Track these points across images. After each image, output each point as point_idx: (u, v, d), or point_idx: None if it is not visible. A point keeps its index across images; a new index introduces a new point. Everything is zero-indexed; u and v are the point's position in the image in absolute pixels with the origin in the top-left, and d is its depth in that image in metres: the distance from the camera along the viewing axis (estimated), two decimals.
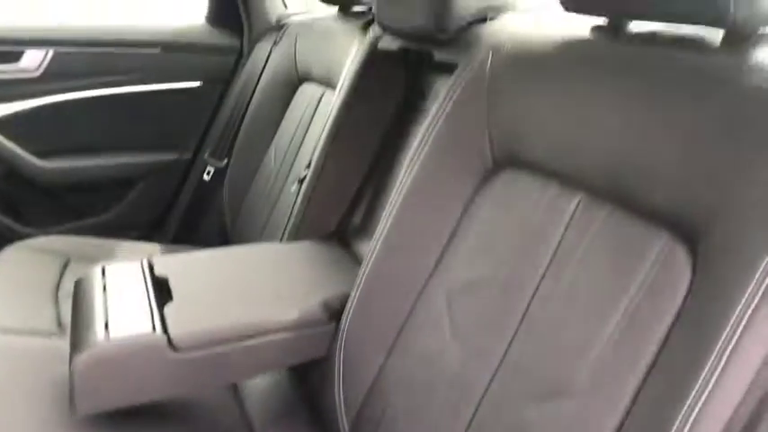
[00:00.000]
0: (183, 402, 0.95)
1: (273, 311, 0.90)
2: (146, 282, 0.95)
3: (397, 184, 0.87)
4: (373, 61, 1.17)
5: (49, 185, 1.56)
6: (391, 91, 1.16)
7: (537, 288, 0.68)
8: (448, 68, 0.99)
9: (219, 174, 1.62)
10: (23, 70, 1.47)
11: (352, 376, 0.89)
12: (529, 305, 0.69)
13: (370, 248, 0.88)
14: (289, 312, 0.90)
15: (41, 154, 1.55)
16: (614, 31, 0.72)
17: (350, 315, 0.89)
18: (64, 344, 1.08)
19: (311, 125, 1.41)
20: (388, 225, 0.86)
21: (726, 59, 0.58)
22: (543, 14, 0.91)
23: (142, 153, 1.66)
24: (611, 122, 0.64)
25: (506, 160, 0.78)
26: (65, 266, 1.38)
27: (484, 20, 0.94)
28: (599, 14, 0.71)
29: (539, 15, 0.92)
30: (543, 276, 0.68)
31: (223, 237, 1.63)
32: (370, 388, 0.86)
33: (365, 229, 1.14)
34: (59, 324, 1.15)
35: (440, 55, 1.00)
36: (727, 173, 0.53)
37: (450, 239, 0.81)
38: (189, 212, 1.67)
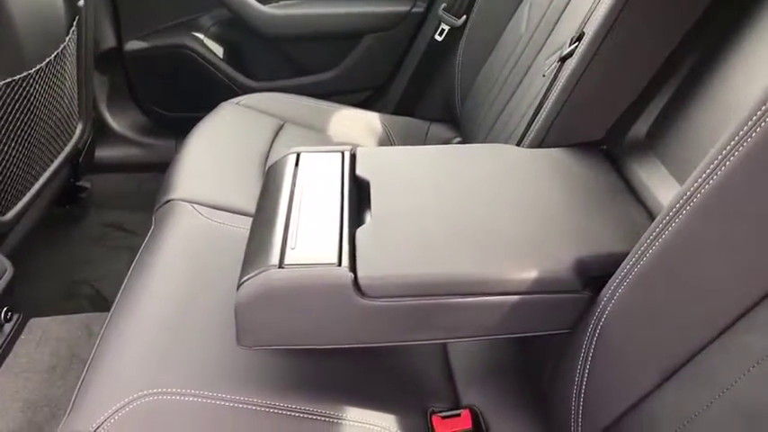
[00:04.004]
0: None
1: (502, 263, 0.62)
2: (342, 184, 0.73)
3: (752, 110, 0.47)
4: None
5: (272, 35, 1.41)
6: None
7: None
8: None
9: (455, 34, 1.30)
10: None
11: (605, 378, 0.59)
12: None
13: (678, 199, 0.53)
14: (524, 268, 0.61)
15: None
16: None
17: (618, 293, 0.58)
18: None
19: None
20: (719, 175, 0.49)
21: None
22: None
23: (371, 1, 1.40)
24: None
25: None
26: (279, 129, 1.25)
27: None
28: None
29: None
30: None
31: (450, 114, 1.35)
32: (631, 408, 0.56)
33: (652, 148, 0.76)
34: None
35: None
36: None
37: None
38: (415, 78, 1.41)
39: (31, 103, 1.03)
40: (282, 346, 0.63)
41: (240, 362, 0.70)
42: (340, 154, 0.79)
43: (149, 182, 1.62)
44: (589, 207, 0.70)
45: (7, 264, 0.89)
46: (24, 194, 1.10)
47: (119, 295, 0.82)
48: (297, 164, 0.78)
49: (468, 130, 1.26)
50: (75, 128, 1.28)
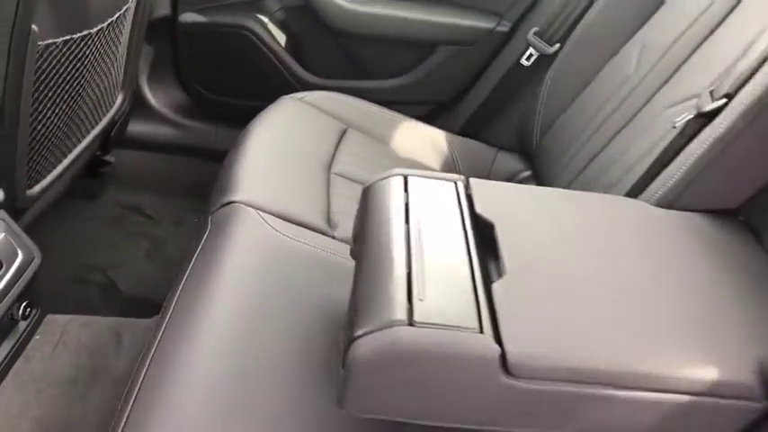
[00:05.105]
0: None
1: (670, 356, 0.52)
2: (464, 223, 0.62)
3: None
4: None
5: (343, 30, 1.29)
6: None
7: None
8: None
9: (544, 62, 1.20)
10: None
11: None
12: None
13: None
14: (696, 365, 0.51)
15: None
16: None
17: None
18: (333, 247, 0.84)
19: (728, 20, 0.90)
20: None
21: None
22: None
23: (453, 12, 1.30)
24: None
25: None
26: (342, 134, 1.14)
27: None
28: None
29: None
30: None
31: (521, 144, 1.25)
32: None
33: None
34: (328, 219, 0.91)
35: None
36: None
37: None
38: (489, 100, 1.30)
39: (84, 66, 0.90)
40: (396, 418, 0.52)
41: (319, 418, 0.58)
42: (452, 183, 0.69)
43: (178, 165, 1.49)
44: (753, 292, 0.60)
45: (35, 251, 0.76)
46: (56, 167, 0.97)
47: (171, 308, 0.70)
48: (405, 189, 0.67)
49: (545, 166, 1.16)
50: (116, 98, 1.15)
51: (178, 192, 1.48)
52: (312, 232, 0.85)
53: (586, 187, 0.98)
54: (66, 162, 1.00)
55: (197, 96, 1.40)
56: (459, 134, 1.30)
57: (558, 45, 1.18)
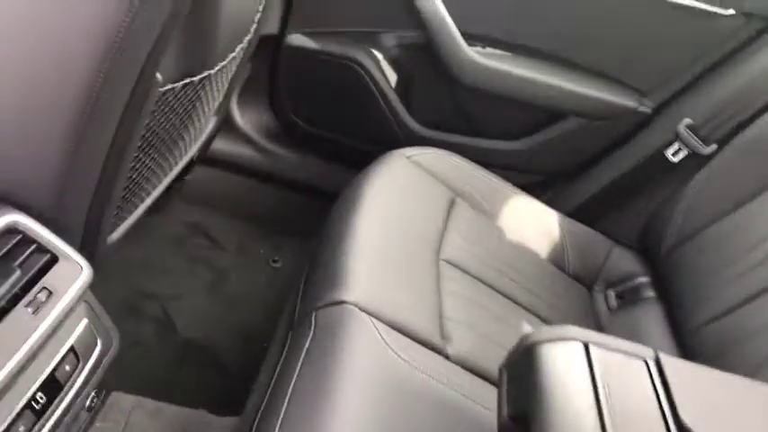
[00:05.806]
0: None
1: None
2: (666, 423, 0.49)
3: None
4: None
5: (463, 82, 1.15)
6: None
7: None
8: None
9: (694, 162, 1.05)
10: None
11: None
12: None
13: None
14: None
15: (471, 38, 1.13)
16: None
17: None
18: (449, 377, 0.71)
19: None
20: None
21: None
22: None
23: (589, 81, 1.15)
24: None
25: None
26: (451, 206, 1.01)
27: None
28: None
29: None
30: None
31: (648, 248, 1.10)
32: None
33: None
34: (441, 327, 0.78)
35: None
36: None
37: None
38: (615, 187, 1.15)
39: (194, 107, 0.78)
40: None
41: None
42: (643, 363, 0.55)
43: (252, 190, 1.38)
44: None
45: (114, 334, 0.64)
46: (138, 207, 0.85)
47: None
48: (588, 362, 0.53)
49: (675, 281, 1.01)
50: (210, 123, 1.03)
51: (247, 217, 1.37)
52: (425, 350, 0.73)
53: (740, 333, 0.84)
54: (149, 201, 0.88)
55: (287, 122, 1.27)
56: (570, 214, 1.15)
57: (714, 146, 1.03)
